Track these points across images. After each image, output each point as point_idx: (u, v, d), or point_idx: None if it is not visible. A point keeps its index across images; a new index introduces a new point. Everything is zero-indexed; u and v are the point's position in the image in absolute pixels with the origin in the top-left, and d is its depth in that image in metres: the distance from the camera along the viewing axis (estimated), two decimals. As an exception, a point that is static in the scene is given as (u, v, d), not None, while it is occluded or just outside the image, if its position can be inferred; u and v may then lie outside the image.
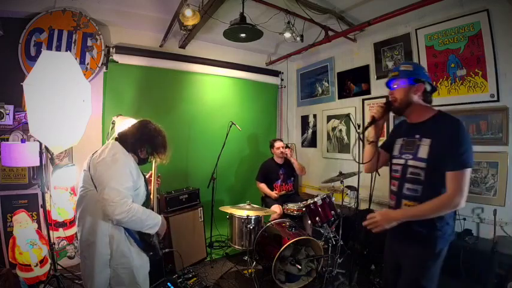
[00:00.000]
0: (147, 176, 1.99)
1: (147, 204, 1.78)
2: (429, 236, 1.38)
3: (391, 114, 1.62)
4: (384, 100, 3.42)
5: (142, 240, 1.67)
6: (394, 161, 1.56)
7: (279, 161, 3.64)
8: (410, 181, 1.44)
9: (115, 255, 1.57)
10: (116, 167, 1.53)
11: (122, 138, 1.70)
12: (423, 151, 1.39)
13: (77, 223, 1.65)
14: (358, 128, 3.60)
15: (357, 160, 1.67)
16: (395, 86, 1.49)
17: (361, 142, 3.60)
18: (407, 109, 1.48)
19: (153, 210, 1.86)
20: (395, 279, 1.54)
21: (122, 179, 1.51)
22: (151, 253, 1.73)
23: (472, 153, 1.32)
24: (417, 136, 1.44)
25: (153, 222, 1.63)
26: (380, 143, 1.69)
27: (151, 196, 1.96)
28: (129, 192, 1.53)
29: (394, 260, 1.55)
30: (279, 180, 3.58)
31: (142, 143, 1.70)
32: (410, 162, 1.44)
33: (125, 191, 1.49)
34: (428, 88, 1.47)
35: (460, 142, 1.30)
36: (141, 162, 1.75)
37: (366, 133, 1.65)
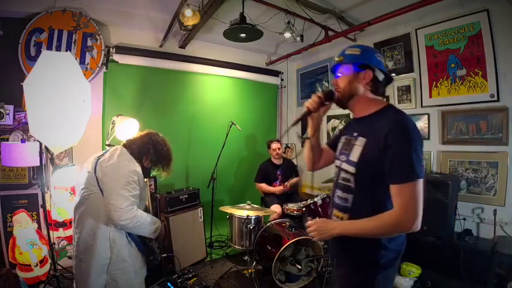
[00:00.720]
0: None
1: (144, 210, 1.77)
2: (355, 259, 1.15)
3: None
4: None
5: (143, 244, 1.67)
6: (335, 162, 1.32)
7: (277, 161, 3.65)
8: (341, 188, 1.21)
9: (115, 260, 1.56)
10: (126, 174, 1.54)
11: (129, 144, 1.72)
12: (355, 153, 1.14)
13: (74, 225, 1.63)
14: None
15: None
16: (339, 74, 1.23)
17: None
18: (350, 101, 1.21)
19: (150, 213, 1.87)
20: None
21: (129, 186, 1.53)
22: (152, 257, 1.73)
23: (421, 159, 1.01)
24: (355, 134, 1.19)
25: (154, 227, 1.66)
26: None
27: (146, 203, 1.96)
28: (136, 200, 1.55)
29: (336, 269, 1.34)
30: (278, 181, 3.59)
31: (147, 150, 1.72)
32: (343, 166, 1.20)
33: (132, 199, 1.51)
34: (380, 77, 1.18)
35: (401, 147, 1.00)
36: (144, 172, 1.73)
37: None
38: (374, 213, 1.06)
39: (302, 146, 1.29)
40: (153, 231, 1.65)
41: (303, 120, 1.35)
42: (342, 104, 1.25)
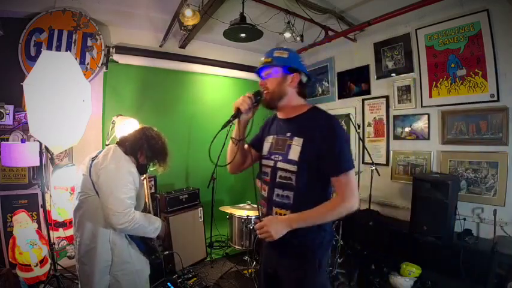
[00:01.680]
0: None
1: (144, 208, 1.77)
2: (304, 247, 1.21)
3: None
4: (383, 100, 3.43)
5: (144, 243, 1.67)
6: (264, 161, 1.35)
7: None
8: (280, 186, 1.24)
9: (116, 261, 1.56)
10: (120, 176, 1.52)
11: (122, 141, 1.68)
12: (294, 152, 1.20)
13: (75, 228, 1.62)
14: (358, 128, 3.60)
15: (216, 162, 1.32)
16: (268, 75, 1.27)
17: (361, 142, 3.60)
18: (279, 102, 1.27)
19: (150, 212, 1.86)
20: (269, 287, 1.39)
21: (125, 188, 1.50)
22: (153, 256, 1.73)
23: (351, 151, 1.20)
24: (288, 134, 1.25)
25: (154, 227, 1.64)
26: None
27: (146, 199, 1.95)
28: (132, 201, 1.53)
29: (270, 267, 1.36)
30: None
31: (141, 145, 1.66)
32: (280, 165, 1.24)
33: (129, 201, 1.49)
34: (304, 79, 1.29)
35: (338, 143, 1.15)
36: (140, 169, 1.69)
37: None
38: (315, 205, 1.16)
39: (222, 128, 1.26)
40: (153, 231, 1.63)
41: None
42: (271, 105, 1.29)
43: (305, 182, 1.19)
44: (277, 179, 1.25)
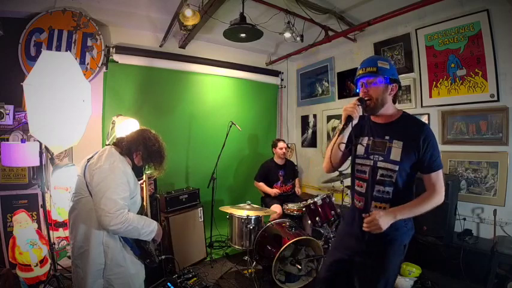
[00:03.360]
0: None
1: (141, 211, 1.74)
2: (394, 233, 1.37)
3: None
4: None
5: (138, 247, 1.62)
6: (359, 161, 1.49)
7: (280, 161, 3.64)
8: (380, 183, 1.41)
9: (109, 265, 1.52)
10: (114, 176, 1.48)
11: (118, 142, 1.66)
12: (396, 153, 1.36)
13: (69, 230, 1.59)
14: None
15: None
16: (372, 83, 1.39)
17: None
18: (380, 109, 1.41)
19: (147, 216, 1.83)
20: (336, 271, 1.54)
21: (118, 188, 1.46)
22: (148, 260, 1.68)
23: (439, 152, 1.38)
24: (387, 137, 1.41)
25: (148, 229, 1.58)
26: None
27: (144, 203, 1.92)
28: (126, 202, 1.49)
29: (346, 254, 1.51)
30: (279, 182, 3.58)
31: (137, 146, 1.63)
32: (381, 164, 1.40)
33: (122, 202, 1.45)
34: (399, 88, 1.45)
35: (434, 146, 1.33)
36: (136, 170, 1.67)
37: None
38: (409, 199, 1.37)
39: (340, 134, 1.41)
40: (147, 234, 1.58)
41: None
42: (374, 112, 1.42)
43: (404, 179, 1.37)
44: (378, 177, 1.40)
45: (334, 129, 4.16)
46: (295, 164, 4.11)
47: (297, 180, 3.77)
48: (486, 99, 2.56)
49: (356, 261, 1.46)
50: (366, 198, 1.46)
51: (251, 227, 2.71)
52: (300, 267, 2.53)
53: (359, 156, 1.49)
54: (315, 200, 2.80)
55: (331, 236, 2.66)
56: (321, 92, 4.40)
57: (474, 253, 2.30)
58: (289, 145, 4.56)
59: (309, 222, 2.92)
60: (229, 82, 4.13)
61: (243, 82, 4.24)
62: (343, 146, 1.46)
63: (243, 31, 2.68)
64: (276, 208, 3.22)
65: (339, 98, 4.08)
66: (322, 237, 2.76)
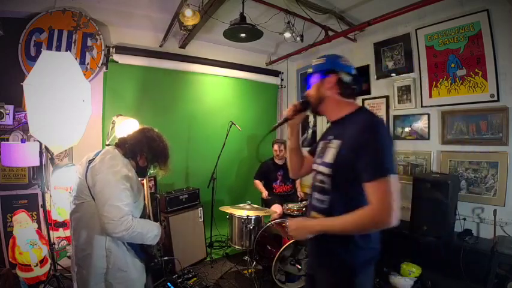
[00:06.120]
0: None
1: (143, 214, 1.71)
2: (339, 249, 1.14)
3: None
4: (383, 100, 3.43)
5: (143, 251, 1.61)
6: (313, 166, 1.33)
7: (279, 162, 3.65)
8: (317, 190, 1.22)
9: (111, 269, 1.50)
10: (117, 182, 1.44)
11: (121, 143, 1.61)
12: (330, 155, 1.16)
13: (71, 231, 1.57)
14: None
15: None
16: (310, 84, 1.30)
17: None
18: (320, 106, 1.27)
19: (149, 218, 1.81)
20: (309, 286, 1.38)
21: (122, 195, 1.43)
22: (152, 264, 1.67)
23: (393, 156, 1.04)
24: (330, 137, 1.23)
25: (153, 234, 1.56)
26: None
27: (146, 201, 1.89)
28: (130, 208, 1.46)
29: (310, 272, 1.37)
30: (277, 181, 3.59)
31: (142, 147, 1.59)
32: (319, 168, 1.23)
33: (126, 208, 1.42)
34: (347, 78, 1.20)
35: (374, 149, 1.02)
36: (140, 171, 1.64)
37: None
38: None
39: (269, 133, 1.52)
40: (152, 238, 1.56)
41: (281, 126, 1.45)
42: (316, 110, 1.31)
43: (339, 186, 1.13)
44: (316, 183, 1.24)
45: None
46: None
47: (297, 183, 3.75)
48: (486, 99, 2.56)
49: (315, 278, 1.30)
50: (309, 207, 1.32)
51: (251, 227, 2.71)
52: (300, 267, 2.53)
53: (314, 162, 1.35)
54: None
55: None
56: (321, 92, 4.40)
57: (474, 253, 2.30)
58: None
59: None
60: (229, 82, 4.13)
61: (243, 82, 4.24)
62: (296, 151, 1.46)
63: (243, 31, 2.68)
64: (277, 208, 3.22)
65: (339, 98, 4.07)
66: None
